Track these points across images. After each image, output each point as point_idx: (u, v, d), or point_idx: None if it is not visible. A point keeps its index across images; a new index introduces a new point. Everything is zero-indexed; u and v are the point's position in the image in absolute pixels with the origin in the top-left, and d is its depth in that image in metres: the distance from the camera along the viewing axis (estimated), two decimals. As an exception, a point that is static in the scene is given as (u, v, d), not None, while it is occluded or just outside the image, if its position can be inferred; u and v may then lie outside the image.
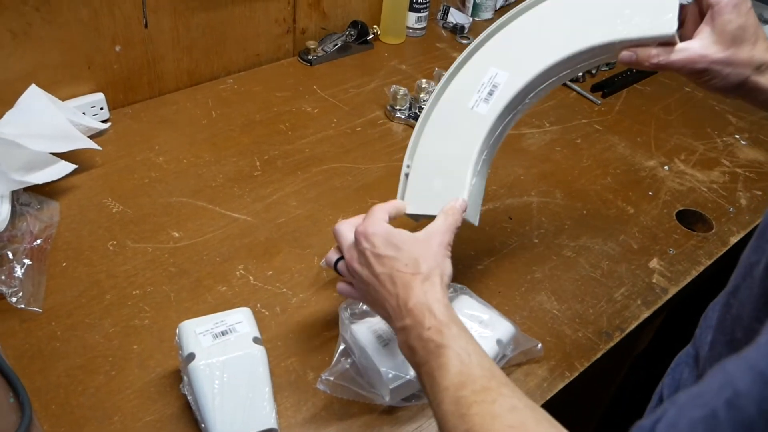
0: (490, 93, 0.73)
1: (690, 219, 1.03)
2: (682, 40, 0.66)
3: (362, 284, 0.64)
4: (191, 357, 0.64)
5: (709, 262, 0.95)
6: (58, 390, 0.70)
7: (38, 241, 0.85)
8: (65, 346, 0.75)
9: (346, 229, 0.67)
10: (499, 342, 0.73)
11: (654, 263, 0.93)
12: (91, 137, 1.01)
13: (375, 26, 1.41)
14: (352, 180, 1.03)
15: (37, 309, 0.78)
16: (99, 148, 0.99)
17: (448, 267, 0.62)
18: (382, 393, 0.70)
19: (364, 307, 0.76)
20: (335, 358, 0.73)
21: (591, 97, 1.31)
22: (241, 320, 0.69)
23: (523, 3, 0.74)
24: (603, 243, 0.96)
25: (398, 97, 1.17)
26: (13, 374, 0.61)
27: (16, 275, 0.80)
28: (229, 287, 0.84)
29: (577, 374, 0.77)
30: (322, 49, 1.33)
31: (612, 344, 0.81)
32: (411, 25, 1.46)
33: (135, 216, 0.92)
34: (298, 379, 0.74)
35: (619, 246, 0.96)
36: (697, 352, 0.67)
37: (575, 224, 0.99)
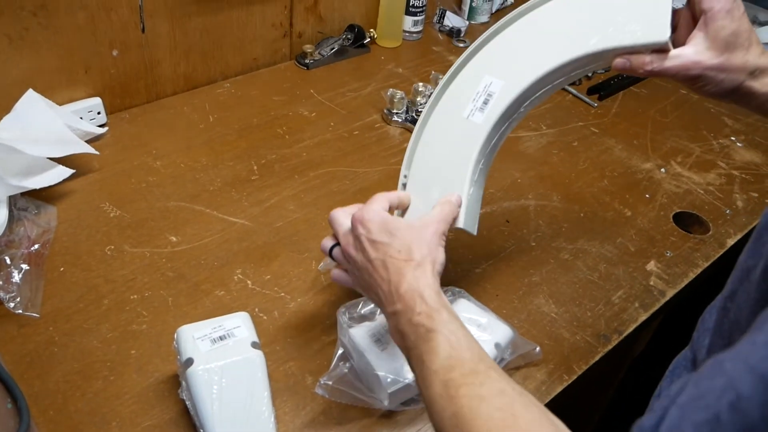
0: (485, 102, 0.73)
1: (687, 221, 1.04)
2: (675, 45, 0.66)
3: (356, 269, 0.65)
4: (189, 362, 0.64)
5: (706, 265, 0.95)
6: (56, 395, 0.70)
7: (36, 246, 0.85)
8: (63, 351, 0.75)
9: (342, 215, 0.69)
10: (497, 345, 0.74)
11: (651, 266, 0.94)
12: (88, 142, 1.01)
13: (371, 30, 1.41)
14: (349, 184, 1.03)
15: (34, 314, 0.78)
16: (96, 152, 0.99)
17: (441, 255, 0.64)
18: (380, 397, 0.70)
19: (363, 311, 0.76)
20: (334, 363, 0.73)
21: (587, 99, 1.31)
22: (239, 325, 0.69)
23: (516, 10, 0.74)
24: (600, 246, 0.96)
25: (395, 100, 1.17)
26: (11, 380, 0.61)
27: (14, 280, 0.79)
28: (227, 292, 0.84)
29: (575, 377, 0.77)
30: (319, 53, 1.34)
31: (610, 347, 0.81)
32: (407, 29, 1.46)
33: (132, 220, 0.92)
34: (297, 384, 0.74)
35: (617, 249, 0.96)
36: (695, 356, 0.67)
37: (572, 227, 0.99)
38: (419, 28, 1.47)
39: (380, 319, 0.75)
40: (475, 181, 0.74)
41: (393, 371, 0.69)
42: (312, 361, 0.76)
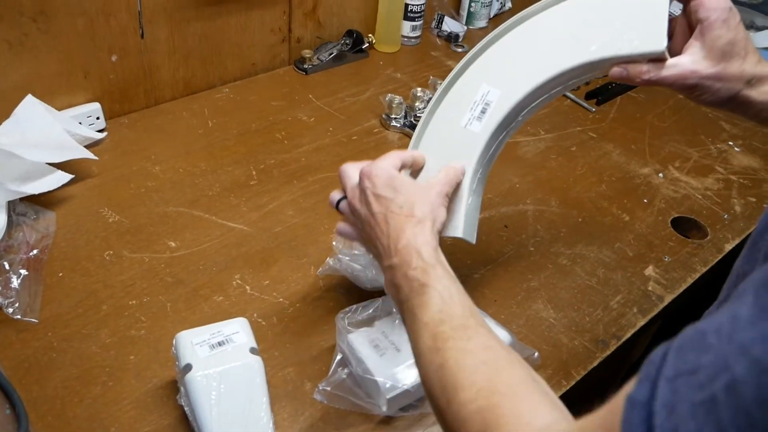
0: (483, 111, 0.73)
1: (685, 226, 1.04)
2: (671, 53, 0.66)
3: (360, 222, 0.67)
4: (188, 368, 0.64)
5: (704, 269, 0.95)
6: (55, 401, 0.70)
7: (35, 252, 0.85)
8: (62, 357, 0.75)
9: (352, 169, 0.70)
10: (495, 351, 0.74)
11: (649, 271, 0.94)
12: (87, 147, 1.01)
13: (370, 35, 1.41)
14: (348, 189, 1.03)
15: (33, 319, 0.78)
16: (95, 157, 0.99)
17: (441, 214, 0.65)
18: (379, 403, 0.70)
19: (361, 316, 0.76)
20: (332, 368, 0.73)
21: (585, 104, 1.31)
22: (237, 330, 0.69)
23: (512, 18, 0.73)
24: (598, 251, 0.96)
25: (393, 105, 1.18)
26: (9, 385, 0.61)
27: (13, 286, 0.79)
28: (226, 297, 0.84)
29: (573, 383, 0.77)
30: (318, 58, 1.34)
31: (608, 352, 0.81)
32: (406, 34, 1.47)
33: (131, 226, 0.92)
34: (295, 390, 0.74)
35: (615, 253, 0.96)
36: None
37: (571, 232, 0.99)
38: (417, 33, 1.48)
39: (379, 324, 0.75)
40: (474, 190, 0.74)
41: (391, 377, 0.69)
42: (310, 367, 0.76)
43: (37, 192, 0.89)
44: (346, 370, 0.73)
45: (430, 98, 0.77)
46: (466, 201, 0.72)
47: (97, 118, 1.08)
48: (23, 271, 0.81)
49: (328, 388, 0.71)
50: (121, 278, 0.85)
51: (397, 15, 1.42)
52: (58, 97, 1.05)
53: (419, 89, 1.22)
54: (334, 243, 0.83)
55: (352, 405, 0.71)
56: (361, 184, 0.66)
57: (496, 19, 1.66)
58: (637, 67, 0.66)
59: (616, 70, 0.67)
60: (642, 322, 0.86)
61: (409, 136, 0.78)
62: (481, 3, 1.56)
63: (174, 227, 0.93)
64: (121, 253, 0.88)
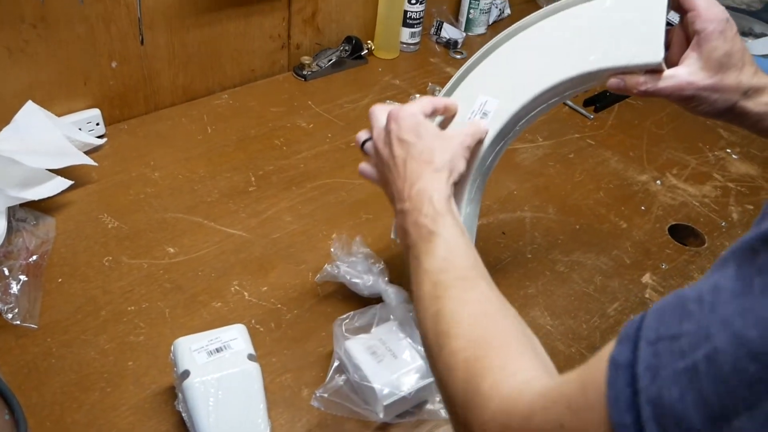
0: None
1: (682, 233, 1.04)
2: (668, 63, 0.66)
3: (381, 164, 0.68)
4: (186, 374, 0.65)
5: (701, 277, 0.95)
6: (54, 407, 0.70)
7: (34, 257, 0.85)
8: (60, 363, 0.75)
9: (381, 111, 0.70)
10: (492, 358, 0.74)
11: (647, 278, 0.94)
12: (87, 153, 1.01)
13: (369, 41, 1.42)
14: (346, 195, 1.04)
15: (32, 325, 0.78)
16: (95, 163, 0.99)
17: (460, 165, 0.65)
18: (376, 410, 0.70)
19: (358, 323, 0.76)
20: (329, 375, 0.73)
21: (583, 111, 1.32)
22: (235, 337, 0.69)
23: (510, 27, 0.74)
24: (596, 258, 0.97)
25: (393, 112, 1.18)
26: (8, 391, 0.61)
27: (12, 291, 0.80)
28: (224, 303, 0.84)
29: (570, 389, 0.77)
30: (317, 65, 1.34)
31: (605, 359, 0.82)
32: (405, 41, 1.47)
33: (130, 231, 0.93)
34: (293, 396, 0.74)
35: (612, 261, 0.97)
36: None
37: (568, 239, 1.00)
38: (416, 39, 1.48)
39: (376, 331, 0.75)
40: (472, 199, 0.74)
41: (388, 384, 0.69)
42: (308, 374, 0.76)
43: (37, 198, 0.90)
44: (343, 377, 0.73)
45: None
46: (464, 210, 0.72)
47: (97, 124, 1.09)
48: (23, 277, 0.82)
49: (326, 395, 0.71)
50: (120, 284, 0.85)
51: (396, 21, 1.43)
52: (58, 103, 1.05)
53: (418, 95, 1.22)
54: (332, 250, 0.83)
55: (349, 411, 0.71)
56: (387, 126, 0.67)
57: (495, 26, 1.66)
58: (634, 78, 0.66)
59: (613, 81, 0.68)
60: (639, 330, 0.86)
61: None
62: (480, 10, 1.57)
63: (173, 233, 0.93)
64: (120, 259, 0.88)
